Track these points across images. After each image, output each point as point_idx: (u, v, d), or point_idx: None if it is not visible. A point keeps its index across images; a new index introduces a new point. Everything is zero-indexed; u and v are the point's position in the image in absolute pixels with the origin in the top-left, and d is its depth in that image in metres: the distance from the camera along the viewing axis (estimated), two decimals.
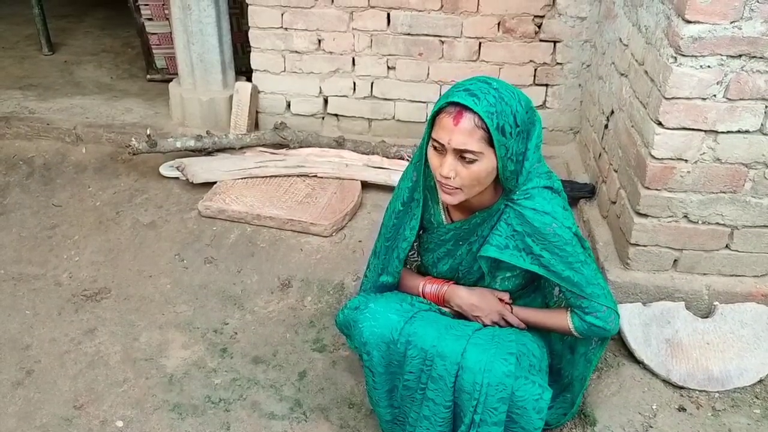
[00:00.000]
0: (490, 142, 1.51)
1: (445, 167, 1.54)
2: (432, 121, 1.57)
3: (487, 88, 1.51)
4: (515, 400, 1.58)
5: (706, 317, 2.21)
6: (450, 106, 1.51)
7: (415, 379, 1.67)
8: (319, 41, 3.18)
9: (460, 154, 1.52)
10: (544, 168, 1.68)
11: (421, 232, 1.87)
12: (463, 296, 1.78)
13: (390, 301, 1.73)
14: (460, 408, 1.63)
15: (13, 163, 3.27)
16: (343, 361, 2.20)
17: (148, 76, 4.02)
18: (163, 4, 3.70)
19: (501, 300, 1.78)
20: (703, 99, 1.96)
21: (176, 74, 3.49)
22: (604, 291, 1.71)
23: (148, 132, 3.10)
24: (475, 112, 1.48)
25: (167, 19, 3.64)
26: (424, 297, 1.82)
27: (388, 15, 3.08)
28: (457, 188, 1.57)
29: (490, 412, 1.57)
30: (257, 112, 3.41)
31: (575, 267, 1.64)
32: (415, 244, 1.93)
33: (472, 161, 1.52)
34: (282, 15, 3.14)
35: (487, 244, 1.67)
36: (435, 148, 1.57)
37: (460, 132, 1.49)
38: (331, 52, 3.20)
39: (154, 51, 3.92)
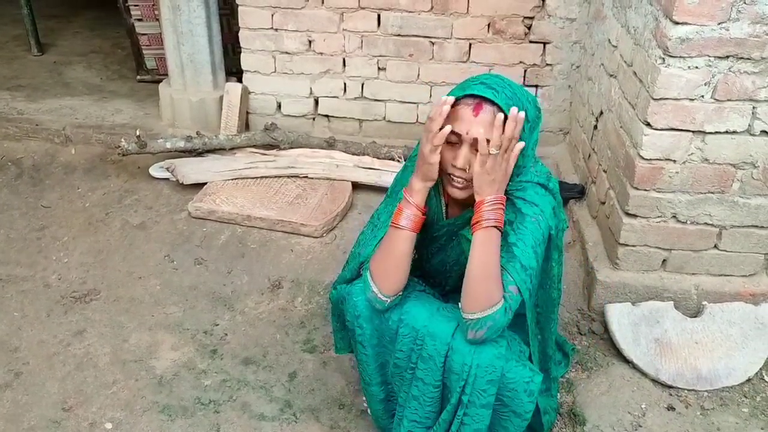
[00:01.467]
0: None
1: (461, 159, 1.53)
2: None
3: (501, 82, 1.53)
4: (506, 382, 1.57)
5: (695, 317, 2.22)
6: (467, 97, 1.52)
7: (405, 357, 1.66)
8: (310, 42, 3.18)
9: (476, 146, 1.52)
10: (543, 169, 1.68)
11: None
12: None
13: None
14: (449, 389, 1.62)
15: (1, 164, 3.25)
16: (334, 362, 2.19)
17: (138, 77, 4.00)
18: (153, 5, 3.69)
19: None
20: (691, 100, 1.97)
21: (166, 75, 3.48)
22: (527, 287, 1.57)
23: (138, 133, 3.09)
24: (494, 104, 1.50)
25: (157, 19, 3.63)
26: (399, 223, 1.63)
27: (379, 16, 3.08)
28: (468, 182, 1.57)
29: (478, 393, 1.56)
30: (247, 113, 3.40)
31: (538, 268, 1.60)
32: None
33: None
34: (272, 16, 3.14)
35: (467, 227, 1.66)
36: (448, 141, 1.55)
37: (480, 123, 1.50)
38: (321, 53, 3.20)
39: (144, 51, 3.91)
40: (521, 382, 1.57)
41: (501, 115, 1.48)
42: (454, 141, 1.55)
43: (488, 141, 1.49)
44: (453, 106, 1.52)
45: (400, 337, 1.66)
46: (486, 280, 1.52)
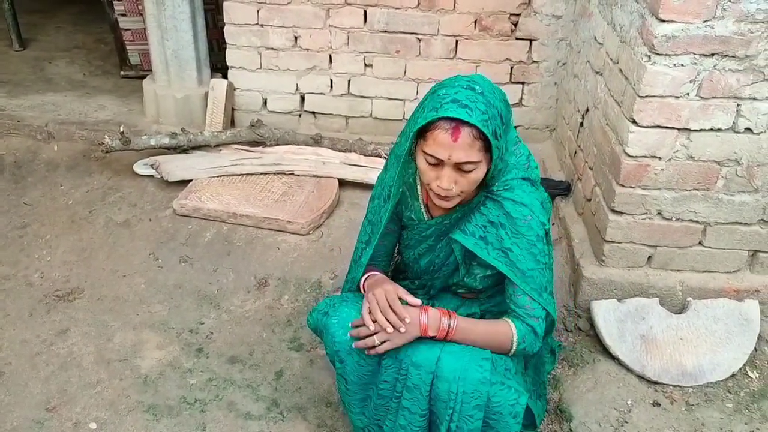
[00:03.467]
0: (485, 149, 1.51)
1: (445, 180, 1.52)
2: (420, 133, 1.53)
3: (474, 95, 1.48)
4: (491, 406, 1.57)
5: (680, 313, 2.23)
6: (443, 121, 1.48)
7: (389, 388, 1.66)
8: (296, 38, 3.16)
9: (459, 166, 1.51)
10: (523, 150, 1.67)
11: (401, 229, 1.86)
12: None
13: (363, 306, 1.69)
14: (436, 416, 1.62)
15: None
16: (321, 360, 2.18)
17: (122, 73, 3.97)
18: (137, 0, 3.65)
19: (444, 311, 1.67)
20: (677, 97, 1.98)
21: (150, 71, 3.45)
22: (553, 300, 1.69)
23: (122, 129, 3.05)
24: (471, 125, 1.47)
25: (141, 14, 3.59)
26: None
27: (365, 12, 3.07)
28: (454, 196, 1.57)
29: (466, 419, 1.57)
30: (233, 110, 3.38)
31: (540, 267, 1.63)
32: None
33: (470, 170, 1.52)
34: (258, 11, 3.12)
35: (457, 229, 1.67)
36: (429, 162, 1.54)
37: (461, 147, 1.48)
38: (307, 49, 3.18)
39: (127, 47, 3.87)
40: (506, 405, 1.57)
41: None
42: (434, 163, 1.53)
43: (465, 163, 1.49)
44: (428, 129, 1.50)
45: (383, 368, 1.65)
46: (491, 345, 1.64)
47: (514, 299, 1.66)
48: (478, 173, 1.54)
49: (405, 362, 1.61)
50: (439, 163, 1.52)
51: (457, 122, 1.47)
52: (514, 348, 1.64)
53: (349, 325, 1.66)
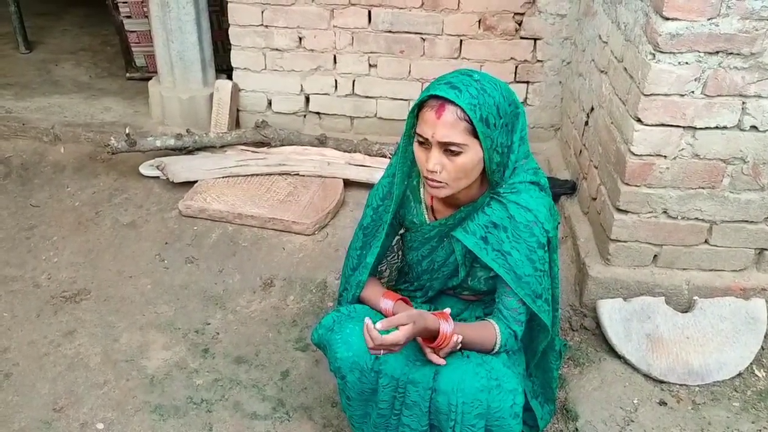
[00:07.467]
0: (475, 134, 1.50)
1: (431, 161, 1.53)
2: (415, 116, 1.56)
3: (468, 80, 1.51)
4: (492, 412, 1.56)
5: (686, 312, 2.23)
6: (432, 99, 1.51)
7: (388, 407, 1.66)
8: (300, 39, 3.17)
9: (446, 148, 1.51)
10: (532, 164, 1.67)
11: (402, 231, 1.86)
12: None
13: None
14: (438, 429, 1.62)
15: None
16: (326, 360, 2.18)
17: (128, 75, 3.98)
18: (142, 2, 3.66)
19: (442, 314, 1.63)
20: (682, 95, 1.98)
21: (156, 72, 3.46)
22: (548, 308, 1.68)
23: (128, 131, 3.07)
24: (457, 105, 1.48)
25: (146, 16, 3.60)
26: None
27: (369, 12, 3.07)
28: (443, 182, 1.56)
29: (468, 429, 1.56)
30: (238, 111, 3.39)
31: (538, 274, 1.63)
32: (395, 246, 1.92)
33: (457, 153, 1.51)
34: (262, 12, 3.13)
35: (459, 227, 1.67)
36: (420, 143, 1.56)
37: (443, 125, 1.49)
38: (312, 50, 3.19)
39: (133, 49, 3.88)
40: (506, 408, 1.57)
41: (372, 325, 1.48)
42: (424, 143, 1.55)
43: (449, 144, 1.49)
44: (421, 108, 1.54)
45: (381, 388, 1.64)
46: (475, 348, 1.64)
47: (504, 300, 1.66)
48: (466, 159, 1.52)
49: (402, 380, 1.61)
50: (427, 145, 1.54)
51: (444, 100, 1.49)
52: (494, 351, 1.65)
53: (352, 341, 1.65)
